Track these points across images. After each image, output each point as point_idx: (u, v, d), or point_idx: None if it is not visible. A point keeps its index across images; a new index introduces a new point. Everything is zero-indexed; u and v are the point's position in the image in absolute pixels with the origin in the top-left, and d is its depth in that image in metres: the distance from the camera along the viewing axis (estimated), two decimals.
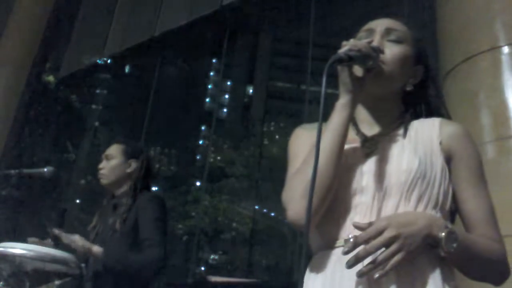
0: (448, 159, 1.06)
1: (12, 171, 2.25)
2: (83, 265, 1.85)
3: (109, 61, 7.68)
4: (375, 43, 1.09)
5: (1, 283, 1.71)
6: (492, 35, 2.97)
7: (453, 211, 1.07)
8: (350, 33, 1.17)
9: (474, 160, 1.08)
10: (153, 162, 2.39)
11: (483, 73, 2.94)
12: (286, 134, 7.93)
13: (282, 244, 7.03)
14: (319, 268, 1.03)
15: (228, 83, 8.86)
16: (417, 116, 1.15)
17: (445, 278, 0.96)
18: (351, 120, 1.10)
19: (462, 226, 1.06)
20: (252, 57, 8.41)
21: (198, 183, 7.77)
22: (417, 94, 1.16)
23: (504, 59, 2.88)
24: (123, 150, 2.28)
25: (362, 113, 1.16)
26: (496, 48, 2.91)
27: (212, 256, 7.33)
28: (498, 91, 2.84)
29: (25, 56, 6.96)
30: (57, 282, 1.79)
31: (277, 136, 8.06)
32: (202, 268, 6.98)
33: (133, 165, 2.26)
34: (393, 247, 0.89)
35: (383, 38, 1.12)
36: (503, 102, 2.80)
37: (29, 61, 6.98)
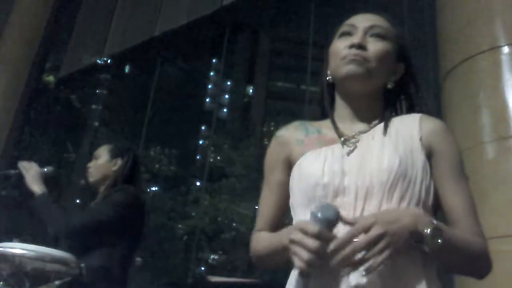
0: (429, 155, 1.06)
1: (12, 171, 2.25)
2: (82, 265, 1.85)
3: (109, 61, 7.68)
4: (357, 40, 1.09)
5: (1, 283, 1.71)
6: (492, 35, 2.97)
7: (435, 207, 1.07)
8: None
9: (455, 156, 1.08)
10: (139, 161, 2.43)
11: (483, 73, 2.94)
12: None
13: None
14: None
15: (228, 83, 8.87)
16: (397, 112, 1.15)
17: (429, 276, 0.97)
18: (331, 119, 1.14)
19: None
20: (252, 57, 8.42)
21: (198, 183, 7.78)
22: (397, 91, 1.15)
23: (504, 59, 2.88)
24: (109, 149, 2.34)
25: (342, 110, 1.15)
26: (496, 48, 2.91)
27: (212, 256, 7.33)
28: (498, 91, 2.84)
29: (25, 56, 6.96)
30: (57, 282, 1.79)
31: None
32: (202, 268, 6.98)
33: (118, 163, 2.29)
34: (381, 245, 0.89)
35: (366, 34, 1.11)
36: (503, 102, 2.80)
37: (29, 61, 6.98)
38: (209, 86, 8.79)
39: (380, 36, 1.11)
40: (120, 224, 2.09)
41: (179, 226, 7.42)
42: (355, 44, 1.08)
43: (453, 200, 1.04)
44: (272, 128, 8.25)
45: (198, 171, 7.99)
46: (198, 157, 8.48)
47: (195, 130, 8.42)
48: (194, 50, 7.67)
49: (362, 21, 1.13)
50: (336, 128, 1.13)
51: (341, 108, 1.15)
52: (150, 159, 7.99)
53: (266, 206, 1.17)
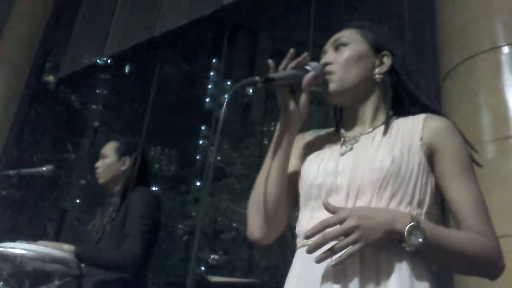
0: (431, 154, 1.05)
1: (11, 172, 2.24)
2: (82, 265, 1.85)
3: (109, 61, 7.67)
4: (323, 61, 1.15)
5: (1, 283, 1.71)
6: (492, 35, 2.97)
7: (442, 207, 1.07)
8: None
9: (459, 154, 1.06)
10: (148, 156, 2.39)
11: (483, 73, 2.94)
12: None
13: (282, 244, 7.02)
14: (294, 264, 1.09)
15: (228, 83, 8.86)
16: (405, 113, 1.15)
17: (415, 274, 0.95)
18: (335, 122, 1.20)
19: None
20: (252, 57, 8.41)
21: (198, 183, 7.77)
22: (391, 81, 1.16)
23: (504, 59, 2.88)
24: (117, 148, 2.29)
25: (348, 116, 1.19)
26: (496, 48, 2.91)
27: (212, 256, 7.32)
28: (498, 91, 2.83)
29: (25, 56, 6.95)
30: (57, 282, 1.79)
31: None
32: (202, 268, 6.98)
33: (127, 162, 2.26)
34: (351, 237, 0.91)
35: (332, 52, 1.17)
36: (503, 102, 2.80)
37: (29, 61, 6.98)
38: (209, 86, 8.79)
39: (342, 44, 1.16)
40: (156, 234, 2.09)
41: (179, 226, 7.41)
42: (321, 65, 1.15)
43: (458, 199, 1.02)
44: (272, 128, 8.25)
45: (198, 171, 7.98)
46: (198, 157, 8.47)
47: (195, 130, 8.41)
48: (194, 50, 7.66)
49: (328, 43, 1.20)
50: (337, 130, 1.18)
51: (346, 114, 1.20)
52: (150, 159, 7.99)
53: None
